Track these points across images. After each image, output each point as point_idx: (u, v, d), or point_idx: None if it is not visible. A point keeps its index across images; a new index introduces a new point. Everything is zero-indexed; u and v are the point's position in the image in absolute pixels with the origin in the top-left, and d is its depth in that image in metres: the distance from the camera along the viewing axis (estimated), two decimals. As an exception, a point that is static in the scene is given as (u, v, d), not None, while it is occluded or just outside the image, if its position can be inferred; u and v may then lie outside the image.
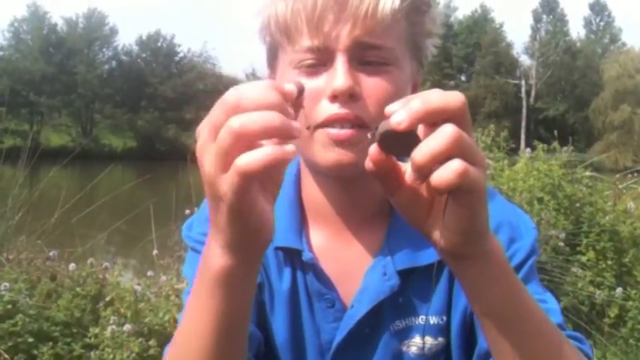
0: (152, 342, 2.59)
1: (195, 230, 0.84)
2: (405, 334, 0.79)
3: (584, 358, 0.67)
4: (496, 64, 45.67)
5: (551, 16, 49.66)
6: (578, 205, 3.80)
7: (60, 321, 2.72)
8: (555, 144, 4.11)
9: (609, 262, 3.65)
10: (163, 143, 40.70)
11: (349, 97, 0.70)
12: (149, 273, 3.16)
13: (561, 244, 3.47)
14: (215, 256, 0.55)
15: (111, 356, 2.54)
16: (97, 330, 2.65)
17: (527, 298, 0.62)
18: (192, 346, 0.61)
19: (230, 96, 0.48)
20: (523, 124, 39.31)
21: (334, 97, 0.71)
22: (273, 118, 0.47)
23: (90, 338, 2.65)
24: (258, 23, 0.80)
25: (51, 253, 3.19)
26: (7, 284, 2.69)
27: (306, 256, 0.79)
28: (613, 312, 3.47)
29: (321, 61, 0.73)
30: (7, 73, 36.69)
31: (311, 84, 0.72)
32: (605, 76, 41.68)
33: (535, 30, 49.31)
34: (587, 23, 52.88)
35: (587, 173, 4.12)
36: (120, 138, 41.65)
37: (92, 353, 2.60)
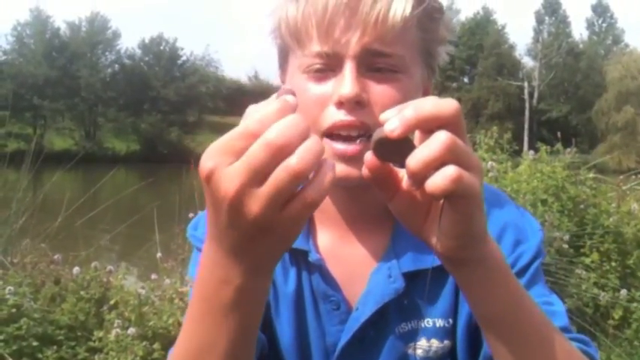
0: (156, 345, 2.59)
1: (201, 230, 0.84)
2: (410, 336, 0.79)
3: None
4: (499, 65, 45.56)
5: (553, 18, 49.54)
6: (581, 206, 3.78)
7: (64, 324, 2.73)
8: (558, 145, 4.08)
9: (613, 264, 3.64)
10: (166, 146, 40.71)
11: (356, 103, 0.70)
12: (153, 276, 3.17)
13: (565, 245, 3.45)
14: (235, 277, 0.53)
15: (115, 359, 2.55)
16: (101, 333, 2.65)
17: (529, 303, 0.61)
18: None
19: (273, 136, 0.46)
20: (526, 125, 39.17)
21: (340, 104, 0.71)
22: (318, 148, 0.47)
23: (94, 342, 2.66)
24: (269, 24, 0.80)
25: (55, 257, 3.21)
26: (11, 288, 2.70)
27: (313, 257, 0.79)
28: (617, 314, 3.45)
29: (330, 66, 0.72)
30: (10, 77, 36.67)
31: (319, 89, 0.72)
32: (608, 77, 41.55)
33: (537, 32, 49.20)
34: (590, 25, 52.79)
35: (591, 175, 4.10)
36: (123, 141, 41.63)
37: (96, 357, 2.61)
